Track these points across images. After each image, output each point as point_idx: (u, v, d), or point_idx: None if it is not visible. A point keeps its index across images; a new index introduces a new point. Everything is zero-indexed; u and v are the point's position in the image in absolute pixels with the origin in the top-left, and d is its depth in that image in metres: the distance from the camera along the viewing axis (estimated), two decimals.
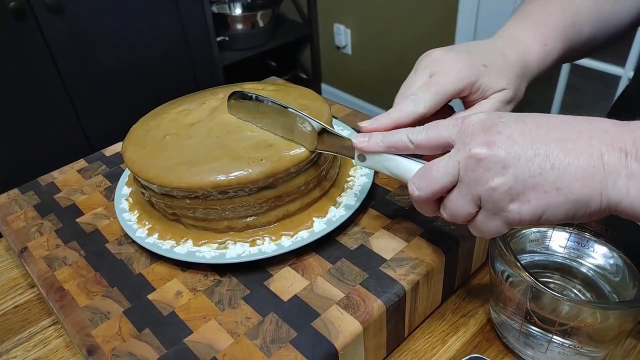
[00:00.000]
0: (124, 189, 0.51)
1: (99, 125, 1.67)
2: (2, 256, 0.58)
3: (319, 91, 2.38)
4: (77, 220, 0.51)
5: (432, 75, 0.42)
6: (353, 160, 0.41)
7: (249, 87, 0.52)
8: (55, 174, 0.59)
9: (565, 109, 1.64)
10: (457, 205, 0.34)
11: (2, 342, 0.48)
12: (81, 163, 0.61)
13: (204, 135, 0.44)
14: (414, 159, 0.38)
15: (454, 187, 0.34)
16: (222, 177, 0.40)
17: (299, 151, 0.43)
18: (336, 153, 0.42)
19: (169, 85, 1.78)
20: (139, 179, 0.43)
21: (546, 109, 1.67)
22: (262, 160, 0.41)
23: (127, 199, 0.49)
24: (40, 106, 1.51)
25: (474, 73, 0.42)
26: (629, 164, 0.29)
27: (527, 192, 0.31)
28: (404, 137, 0.37)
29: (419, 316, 0.46)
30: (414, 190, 0.36)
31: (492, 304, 0.44)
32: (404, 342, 0.45)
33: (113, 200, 0.53)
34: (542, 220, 0.32)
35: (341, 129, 0.58)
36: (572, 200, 0.30)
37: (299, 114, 0.42)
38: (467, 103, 0.45)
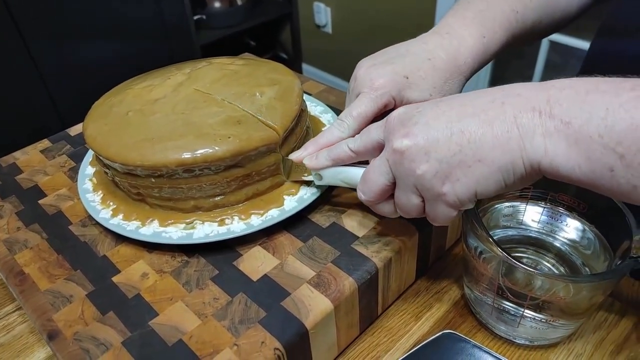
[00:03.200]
0: (87, 169, 0.49)
1: (72, 106, 1.62)
2: None
3: (299, 71, 2.35)
4: (40, 202, 0.49)
5: (358, 94, 0.43)
6: (314, 181, 0.43)
7: (218, 62, 0.50)
8: (17, 154, 0.57)
9: None
10: (403, 201, 0.35)
11: None
12: (45, 143, 0.58)
13: (168, 111, 0.42)
14: (362, 166, 0.39)
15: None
16: (186, 155, 0.38)
17: (269, 132, 0.41)
18: (299, 180, 0.45)
19: (144, 64, 1.74)
20: (100, 157, 0.41)
21: None
22: (229, 137, 0.39)
23: (90, 179, 0.47)
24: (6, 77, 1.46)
25: (395, 87, 0.42)
26: (543, 122, 0.29)
27: (453, 171, 0.32)
28: (344, 147, 0.39)
29: (393, 293, 0.45)
30: (360, 195, 0.38)
31: (465, 280, 0.44)
32: (377, 319, 0.45)
33: (77, 180, 0.51)
34: (479, 195, 0.32)
35: (314, 105, 0.57)
36: (496, 169, 0.31)
37: None
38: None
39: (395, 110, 0.35)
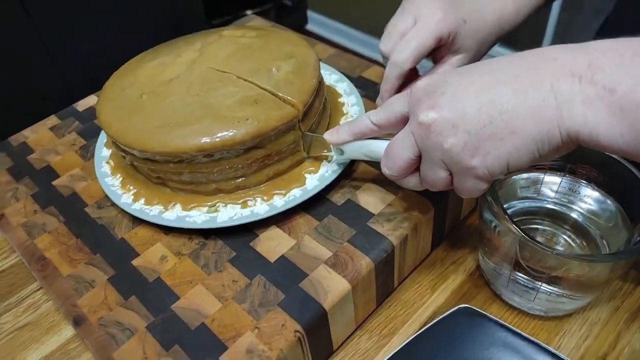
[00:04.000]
0: (103, 151, 0.48)
1: (76, 69, 1.59)
2: None
3: (304, 19, 2.27)
4: (54, 183, 0.49)
5: (416, 20, 0.43)
6: (334, 157, 0.42)
7: (228, 34, 0.48)
8: (26, 132, 0.56)
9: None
10: (429, 175, 0.34)
11: None
12: (53, 120, 0.58)
13: (183, 92, 0.41)
14: (386, 138, 0.38)
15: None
16: (206, 140, 0.38)
17: (287, 109, 0.40)
18: (320, 155, 0.44)
19: (146, 20, 1.68)
20: (117, 143, 0.41)
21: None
22: (247, 120, 0.38)
23: (107, 162, 0.47)
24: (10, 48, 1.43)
25: (454, 26, 0.43)
26: (583, 89, 0.27)
27: (483, 144, 0.30)
28: (366, 121, 0.38)
29: (408, 267, 0.45)
30: (385, 170, 0.36)
31: (480, 251, 0.44)
32: (393, 292, 0.45)
33: (89, 159, 0.51)
34: (511, 168, 0.31)
35: (329, 74, 0.55)
36: (530, 141, 0.29)
37: None
38: (436, 56, 0.47)
39: (419, 81, 0.34)
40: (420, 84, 0.33)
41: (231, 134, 0.38)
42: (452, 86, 0.31)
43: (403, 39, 0.44)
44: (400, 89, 0.47)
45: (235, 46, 0.45)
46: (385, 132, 0.38)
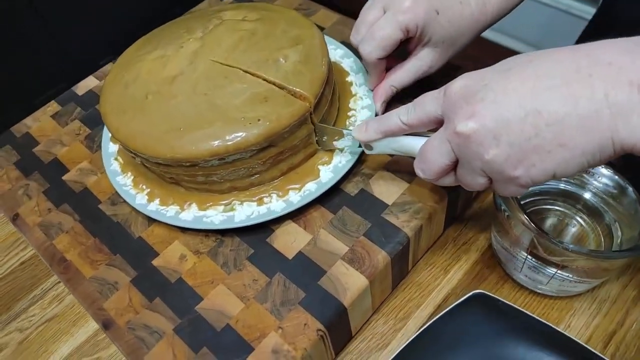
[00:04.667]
0: (110, 146, 0.47)
1: (79, 40, 1.54)
2: None
3: None
4: (64, 178, 0.49)
5: (385, 10, 0.42)
6: (365, 151, 0.41)
7: (229, 17, 0.45)
8: (28, 121, 0.55)
9: None
10: (467, 180, 0.33)
11: (17, 300, 0.49)
12: (54, 106, 0.56)
13: (189, 92, 0.39)
14: (417, 135, 0.37)
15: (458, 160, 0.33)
16: (218, 144, 0.37)
17: (299, 104, 0.39)
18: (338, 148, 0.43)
19: None
20: (126, 148, 0.40)
21: None
22: (259, 120, 0.37)
23: (116, 159, 0.46)
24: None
25: (423, 17, 0.41)
26: None
27: (528, 156, 0.28)
28: (396, 119, 0.36)
29: (422, 251, 0.46)
30: (419, 172, 0.35)
31: (493, 231, 0.45)
32: (407, 275, 0.47)
33: (96, 151, 0.50)
34: (557, 177, 0.29)
35: (333, 48, 0.53)
36: (580, 153, 0.27)
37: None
38: (408, 47, 0.45)
39: (454, 82, 0.32)
40: (455, 86, 0.31)
41: (243, 136, 0.37)
42: (493, 90, 0.29)
43: (369, 31, 0.42)
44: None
45: (239, 34, 0.43)
46: (415, 131, 0.37)
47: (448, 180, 0.35)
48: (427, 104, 0.34)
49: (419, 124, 0.35)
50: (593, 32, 0.59)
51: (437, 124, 0.34)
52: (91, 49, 1.61)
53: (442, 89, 0.33)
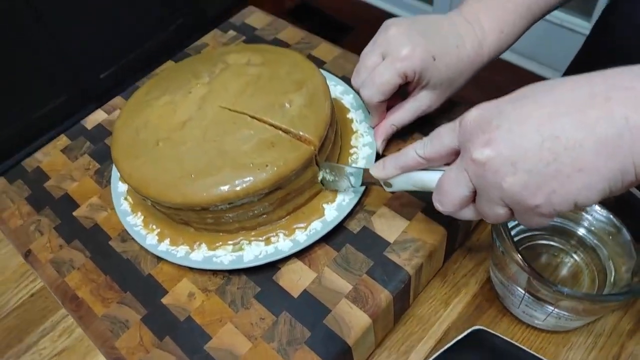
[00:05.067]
0: (120, 186, 0.49)
1: (80, 53, 1.57)
2: (4, 240, 0.58)
3: None
4: (74, 214, 0.50)
5: (384, 56, 0.44)
6: (385, 188, 0.41)
7: (233, 61, 0.47)
8: (39, 156, 0.57)
9: None
10: (486, 211, 0.32)
11: (27, 333, 0.51)
12: (63, 140, 0.58)
13: (199, 138, 0.41)
14: (435, 169, 0.37)
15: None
16: (228, 190, 0.38)
17: (304, 148, 0.40)
18: (367, 184, 0.44)
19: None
20: (138, 193, 0.42)
21: None
22: (266, 166, 0.39)
23: (126, 198, 0.47)
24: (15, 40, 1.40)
25: (420, 63, 0.43)
26: None
27: (548, 183, 0.28)
28: (413, 154, 0.36)
29: (422, 285, 0.48)
30: (437, 205, 0.35)
31: (492, 266, 0.46)
32: (408, 309, 0.48)
33: (105, 186, 0.52)
34: (580, 205, 0.28)
35: (334, 85, 0.54)
36: (601, 179, 0.27)
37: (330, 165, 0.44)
38: (407, 89, 0.47)
39: (469, 112, 0.32)
40: (471, 116, 0.31)
41: (252, 181, 0.39)
42: (508, 118, 0.29)
43: (369, 76, 0.44)
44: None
45: (244, 79, 0.44)
46: (433, 165, 0.37)
47: (468, 213, 0.35)
48: (443, 135, 0.34)
49: (436, 156, 0.35)
50: (590, 48, 0.61)
51: (454, 156, 0.34)
52: (93, 59, 1.63)
53: (457, 119, 0.33)
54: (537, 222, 0.31)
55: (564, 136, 0.27)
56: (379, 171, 0.39)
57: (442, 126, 0.35)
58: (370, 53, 0.45)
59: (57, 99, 1.62)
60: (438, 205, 0.35)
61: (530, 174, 0.28)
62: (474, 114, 0.31)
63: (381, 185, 0.41)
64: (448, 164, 0.35)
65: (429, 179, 0.37)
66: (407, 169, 0.38)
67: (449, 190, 0.33)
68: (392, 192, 0.45)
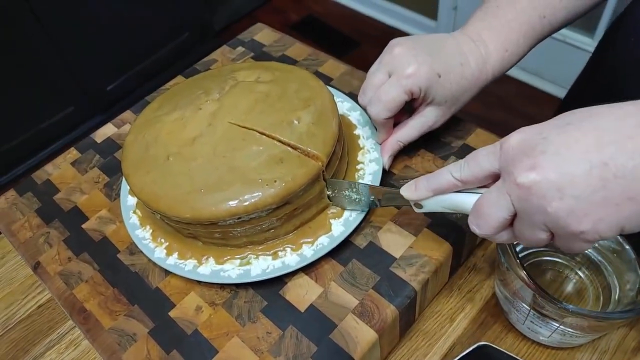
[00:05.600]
0: (129, 199, 0.49)
1: (87, 65, 1.59)
2: (12, 252, 0.58)
3: None
4: (83, 226, 0.51)
5: (390, 74, 0.45)
6: (414, 209, 0.41)
7: (243, 77, 0.48)
8: (49, 168, 0.57)
9: None
10: (527, 235, 0.32)
11: (34, 345, 0.51)
12: (73, 153, 0.59)
13: (209, 154, 0.41)
14: (470, 191, 0.36)
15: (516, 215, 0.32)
16: (237, 205, 0.39)
17: (312, 164, 0.41)
18: (394, 205, 0.45)
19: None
20: (148, 207, 0.42)
21: None
22: (275, 181, 0.39)
23: (134, 212, 0.48)
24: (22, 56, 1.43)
25: (426, 81, 0.44)
26: None
27: (595, 210, 0.28)
28: (448, 176, 0.36)
29: (428, 300, 0.48)
30: (474, 228, 0.34)
31: (497, 282, 0.46)
32: (414, 323, 0.48)
33: (114, 199, 0.53)
34: (626, 232, 0.29)
35: (340, 101, 0.55)
36: None
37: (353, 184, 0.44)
38: (412, 106, 0.48)
39: (511, 136, 0.31)
40: (513, 140, 0.31)
41: (261, 197, 0.39)
42: (553, 143, 0.29)
43: (375, 94, 0.45)
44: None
45: (254, 96, 0.45)
46: (468, 187, 0.36)
47: (505, 236, 0.34)
48: (482, 159, 0.34)
49: (473, 179, 0.35)
50: (595, 64, 0.62)
51: (491, 179, 0.34)
52: (100, 71, 1.65)
53: (497, 143, 0.33)
54: (580, 247, 0.31)
55: (613, 164, 0.27)
56: (410, 193, 0.39)
57: (479, 150, 0.34)
58: (377, 72, 0.46)
59: (65, 109, 1.64)
60: (475, 228, 0.35)
61: (577, 200, 0.28)
62: (517, 139, 0.31)
63: (411, 206, 0.41)
64: (482, 187, 0.35)
65: (463, 201, 0.36)
66: (441, 191, 0.37)
67: (489, 213, 0.33)
68: (423, 213, 0.44)
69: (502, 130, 0.43)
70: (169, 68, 1.81)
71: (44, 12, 1.43)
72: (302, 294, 0.43)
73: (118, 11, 1.60)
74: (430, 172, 0.37)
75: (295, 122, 0.43)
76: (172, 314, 0.43)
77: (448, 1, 1.75)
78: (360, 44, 1.95)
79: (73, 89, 1.62)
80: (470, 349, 0.43)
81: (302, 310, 0.42)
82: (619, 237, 0.43)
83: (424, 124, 0.48)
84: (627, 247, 0.42)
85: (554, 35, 1.55)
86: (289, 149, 0.42)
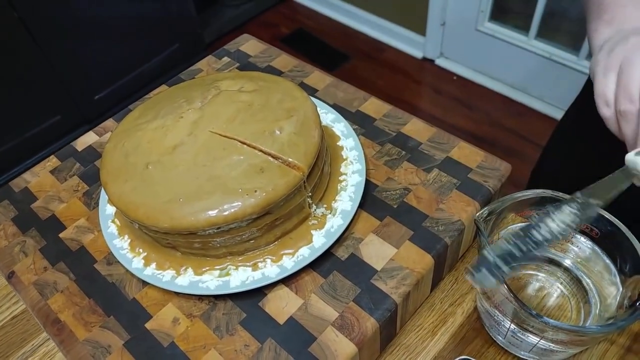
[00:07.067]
0: (107, 208, 0.48)
1: (76, 74, 1.58)
2: None
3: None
4: (60, 235, 0.50)
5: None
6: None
7: (226, 87, 0.48)
8: (27, 176, 0.56)
9: None
10: None
11: (6, 357, 0.49)
12: (53, 161, 0.58)
13: (189, 163, 0.41)
14: None
15: None
16: (216, 215, 0.38)
17: (293, 174, 0.41)
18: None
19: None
20: (126, 217, 0.41)
21: None
22: (255, 191, 0.39)
23: (113, 221, 0.47)
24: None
25: None
26: None
27: None
28: None
29: (410, 314, 0.47)
30: None
31: (478, 296, 0.46)
32: (395, 337, 0.48)
33: (93, 208, 0.52)
34: None
35: (325, 113, 0.55)
36: None
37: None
38: None
39: None
40: None
41: (241, 207, 0.39)
42: None
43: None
44: None
45: (236, 105, 0.45)
46: None
47: None
48: None
49: None
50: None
51: None
52: (88, 80, 1.64)
53: None
54: None
55: None
56: None
57: None
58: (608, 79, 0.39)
59: (51, 118, 1.62)
60: None
61: None
62: None
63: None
64: None
65: None
66: None
67: None
68: None
69: (488, 145, 0.43)
70: (158, 79, 1.80)
71: (32, 20, 1.42)
72: (282, 306, 0.42)
73: (109, 21, 1.60)
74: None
75: (277, 132, 0.43)
76: (149, 325, 0.42)
77: (436, 17, 1.77)
78: (350, 58, 1.96)
79: (61, 97, 1.61)
80: None
81: (282, 323, 0.41)
82: (599, 250, 0.43)
83: None
84: (608, 261, 0.42)
85: (541, 52, 1.55)
86: (270, 158, 0.42)
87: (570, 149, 0.69)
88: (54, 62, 1.53)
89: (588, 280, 0.44)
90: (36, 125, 1.60)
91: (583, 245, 0.44)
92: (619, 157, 0.35)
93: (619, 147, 0.38)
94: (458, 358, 0.43)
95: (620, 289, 0.41)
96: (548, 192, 0.42)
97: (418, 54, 1.92)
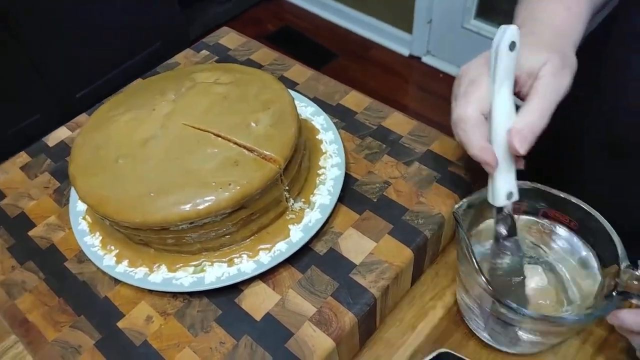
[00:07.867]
0: (78, 205, 0.47)
1: (57, 71, 1.55)
2: None
3: None
4: (30, 233, 0.48)
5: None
6: None
7: (202, 79, 0.47)
8: None
9: None
10: None
11: None
12: (23, 157, 0.56)
13: (161, 156, 0.40)
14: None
15: None
16: (189, 209, 0.37)
17: (269, 167, 0.40)
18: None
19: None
20: (96, 212, 0.40)
21: None
22: (229, 185, 0.38)
23: (84, 218, 0.46)
24: None
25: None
26: None
27: None
28: None
29: (389, 308, 0.47)
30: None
31: (458, 289, 0.46)
32: (375, 331, 0.47)
33: (64, 205, 0.50)
34: None
35: (304, 106, 0.54)
36: None
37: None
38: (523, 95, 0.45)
39: None
40: None
41: (214, 200, 0.38)
42: None
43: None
44: None
45: (211, 98, 0.44)
46: None
47: None
48: None
49: None
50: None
51: None
52: (69, 78, 1.61)
53: None
54: None
55: None
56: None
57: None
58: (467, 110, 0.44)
59: (31, 116, 1.59)
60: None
61: None
62: None
63: None
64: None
65: None
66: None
67: None
68: None
69: None
70: (141, 76, 1.78)
71: (12, 16, 1.39)
72: (259, 302, 0.41)
73: (91, 17, 1.57)
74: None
75: (253, 124, 0.42)
76: (121, 324, 0.41)
77: (423, 15, 1.77)
78: (336, 55, 1.96)
79: (40, 95, 1.57)
80: (431, 356, 0.42)
81: (258, 319, 0.40)
82: (579, 241, 0.43)
83: (547, 81, 0.43)
84: (588, 251, 0.42)
85: None
86: (245, 151, 0.41)
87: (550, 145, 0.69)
88: (34, 58, 1.49)
89: (567, 271, 0.44)
90: (16, 123, 1.56)
91: (563, 236, 0.44)
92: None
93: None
94: (437, 351, 0.43)
95: (599, 278, 0.41)
96: (527, 184, 0.42)
97: (405, 51, 1.92)
